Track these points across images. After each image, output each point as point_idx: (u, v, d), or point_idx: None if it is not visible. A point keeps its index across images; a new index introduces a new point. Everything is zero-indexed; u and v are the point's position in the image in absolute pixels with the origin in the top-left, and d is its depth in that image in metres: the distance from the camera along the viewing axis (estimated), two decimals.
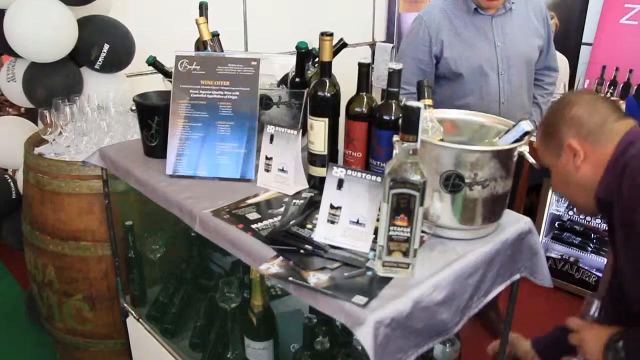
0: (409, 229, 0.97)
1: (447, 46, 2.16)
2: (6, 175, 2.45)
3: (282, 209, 1.29)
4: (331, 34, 1.30)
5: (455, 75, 2.19)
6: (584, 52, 3.98)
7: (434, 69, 2.23)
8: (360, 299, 0.96)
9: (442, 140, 1.17)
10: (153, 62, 1.64)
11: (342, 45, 1.54)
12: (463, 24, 2.17)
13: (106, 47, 2.27)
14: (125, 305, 1.89)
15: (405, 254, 1.00)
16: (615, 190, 1.23)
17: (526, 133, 1.13)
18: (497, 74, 2.17)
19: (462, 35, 2.17)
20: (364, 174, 1.09)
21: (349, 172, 1.10)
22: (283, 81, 1.64)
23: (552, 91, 2.51)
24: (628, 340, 1.25)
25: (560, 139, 1.29)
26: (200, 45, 1.60)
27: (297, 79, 1.53)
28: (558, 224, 3.28)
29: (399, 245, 0.99)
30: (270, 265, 1.07)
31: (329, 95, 1.32)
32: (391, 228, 0.98)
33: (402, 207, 0.95)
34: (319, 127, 1.34)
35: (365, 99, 1.28)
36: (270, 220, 1.24)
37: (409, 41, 2.26)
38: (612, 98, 3.24)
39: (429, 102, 1.24)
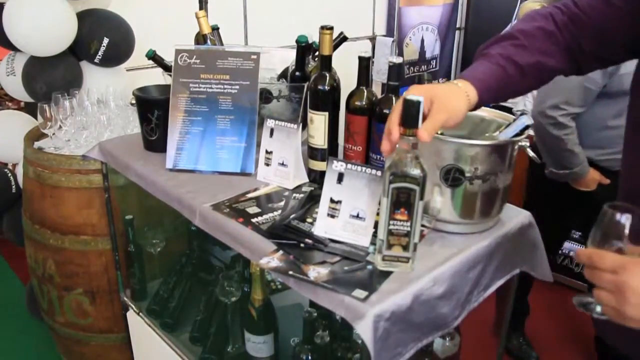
0: (409, 223, 0.97)
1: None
2: (6, 170, 2.45)
3: (282, 203, 1.29)
4: (331, 28, 1.29)
5: (624, 93, 2.04)
6: None
7: (601, 87, 2.11)
8: (360, 293, 0.96)
9: (442, 134, 1.16)
10: (153, 56, 1.64)
11: (342, 39, 1.54)
12: None
13: (106, 40, 2.26)
14: (126, 299, 1.89)
15: (405, 248, 0.99)
16: None
17: (526, 127, 1.13)
18: None
19: None
20: (364, 168, 1.09)
21: (349, 166, 1.10)
22: (283, 75, 1.63)
23: None
24: None
25: None
26: (200, 39, 1.60)
27: (297, 73, 1.53)
28: None
29: (399, 240, 0.99)
30: (270, 259, 1.07)
31: (329, 89, 1.32)
32: (391, 222, 0.97)
33: (402, 201, 0.95)
34: (319, 121, 1.34)
35: (365, 93, 1.28)
36: (271, 214, 1.24)
37: None
38: None
39: None
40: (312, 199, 1.28)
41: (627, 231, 0.86)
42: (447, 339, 1.50)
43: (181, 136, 1.46)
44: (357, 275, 1.02)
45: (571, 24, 1.07)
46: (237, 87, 1.44)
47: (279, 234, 1.13)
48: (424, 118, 0.95)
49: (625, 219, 0.86)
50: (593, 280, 0.85)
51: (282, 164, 1.36)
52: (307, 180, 1.40)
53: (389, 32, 4.13)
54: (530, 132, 1.17)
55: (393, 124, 0.93)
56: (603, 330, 1.15)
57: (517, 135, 1.14)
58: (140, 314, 1.83)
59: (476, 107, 1.06)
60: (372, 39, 4.12)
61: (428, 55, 4.36)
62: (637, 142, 1.08)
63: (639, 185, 1.08)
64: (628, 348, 1.12)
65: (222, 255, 1.93)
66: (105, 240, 1.99)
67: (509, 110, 1.34)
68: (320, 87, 1.32)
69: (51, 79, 2.21)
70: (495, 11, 4.21)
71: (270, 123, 1.36)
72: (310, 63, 1.55)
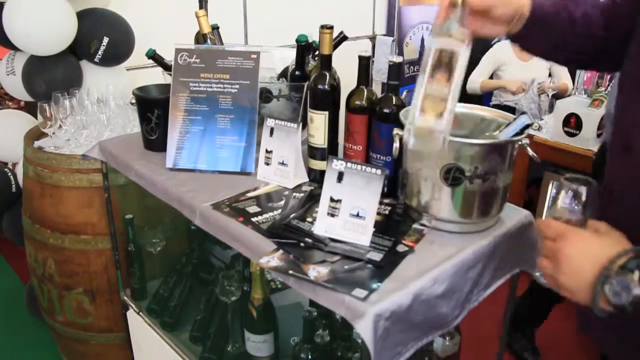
0: (448, 87, 0.89)
1: None
2: (6, 169, 2.45)
3: (282, 202, 1.29)
4: (331, 27, 1.29)
5: None
6: None
7: None
8: (360, 292, 0.96)
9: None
10: (153, 55, 1.64)
11: (342, 39, 1.54)
12: None
13: (106, 40, 2.26)
14: (126, 298, 1.90)
15: (440, 116, 0.89)
16: None
17: (527, 126, 1.13)
18: None
19: None
20: (364, 167, 1.09)
21: (349, 165, 1.10)
22: (283, 74, 1.63)
23: None
24: None
25: None
26: (200, 38, 1.59)
27: (297, 72, 1.53)
28: None
29: (434, 105, 0.89)
30: (270, 258, 1.07)
31: (329, 88, 1.32)
32: (428, 85, 0.90)
33: (444, 62, 0.89)
34: (319, 120, 1.34)
35: (365, 92, 1.28)
36: (271, 214, 1.24)
37: None
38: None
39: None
40: (312, 198, 1.28)
41: (582, 203, 0.85)
42: (447, 338, 1.50)
43: (181, 135, 1.46)
44: (357, 275, 1.02)
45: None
46: (237, 86, 1.44)
47: (279, 233, 1.13)
48: None
49: (581, 191, 0.85)
50: (545, 250, 0.85)
51: (282, 163, 1.36)
52: (307, 179, 1.40)
53: (389, 32, 4.14)
54: (530, 131, 1.17)
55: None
56: (584, 323, 1.12)
57: (517, 134, 1.14)
58: (140, 313, 1.83)
59: (520, 23, 1.04)
60: (372, 38, 4.12)
61: None
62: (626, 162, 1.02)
63: (614, 185, 1.04)
64: (607, 346, 1.08)
65: (222, 255, 1.93)
66: (105, 239, 1.99)
67: (510, 109, 1.34)
68: (320, 86, 1.32)
69: (51, 78, 2.21)
70: None
71: (270, 122, 1.36)
72: (310, 62, 1.55)
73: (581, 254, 0.79)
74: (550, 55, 1.19)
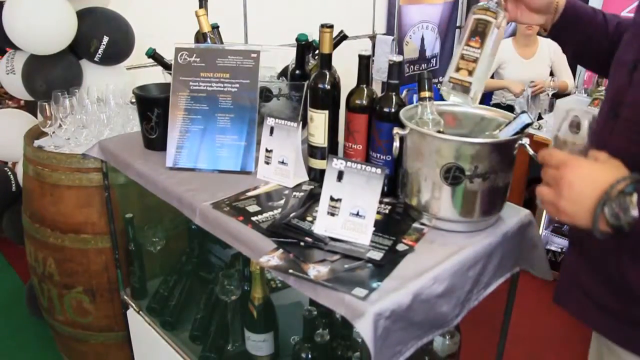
0: (479, 51, 1.08)
1: None
2: (6, 168, 2.45)
3: (282, 202, 1.29)
4: (331, 26, 1.29)
5: None
6: None
7: None
8: (360, 291, 0.96)
9: (442, 132, 1.16)
10: (152, 55, 1.64)
11: (342, 38, 1.54)
12: None
13: (106, 39, 2.26)
14: (126, 297, 1.90)
15: (471, 73, 1.08)
16: None
17: (527, 125, 1.13)
18: None
19: None
20: (363, 166, 1.09)
21: (349, 164, 1.10)
22: (283, 73, 1.63)
23: None
24: None
25: None
26: (200, 37, 1.59)
27: (297, 71, 1.53)
28: None
29: (467, 64, 1.09)
30: (270, 257, 1.07)
31: (329, 87, 1.32)
32: (465, 48, 1.09)
33: (479, 30, 1.09)
34: (319, 119, 1.34)
35: (365, 92, 1.28)
36: (271, 213, 1.24)
37: None
38: None
39: (429, 94, 1.23)
40: (312, 198, 1.28)
41: (583, 133, 0.89)
42: (447, 337, 1.50)
43: (181, 134, 1.46)
44: (357, 274, 1.02)
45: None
46: (237, 85, 1.44)
47: (279, 233, 1.13)
48: None
49: (582, 121, 0.89)
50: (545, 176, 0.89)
51: (282, 163, 1.36)
52: (307, 178, 1.40)
53: (389, 31, 4.13)
54: (530, 130, 1.18)
55: None
56: (559, 295, 1.18)
57: (517, 133, 1.14)
58: (141, 312, 1.83)
59: (556, 16, 1.19)
60: (372, 37, 4.12)
61: (428, 53, 4.36)
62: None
63: None
64: (581, 313, 1.13)
65: (222, 254, 1.93)
66: (105, 238, 1.99)
67: (510, 109, 1.35)
68: (320, 85, 1.32)
69: (51, 78, 2.21)
70: None
71: (270, 121, 1.36)
72: (310, 61, 1.55)
73: (582, 180, 0.83)
74: (578, 54, 1.28)
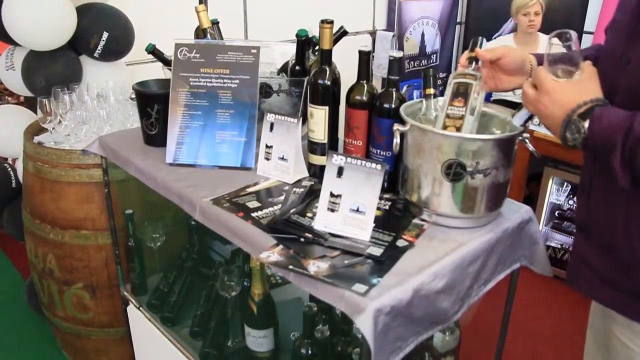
0: (464, 108, 1.13)
1: None
2: (6, 164, 2.45)
3: (282, 198, 1.29)
4: (331, 22, 1.29)
5: None
6: (586, 41, 3.96)
7: None
8: (360, 287, 0.96)
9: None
10: (152, 50, 1.63)
11: (342, 33, 1.53)
12: None
13: (105, 35, 2.26)
14: (126, 293, 1.90)
15: (459, 129, 1.12)
16: None
17: (531, 117, 1.13)
18: None
19: None
20: (363, 162, 1.09)
21: (349, 160, 1.10)
22: (283, 69, 1.63)
23: None
24: (603, 114, 0.93)
25: None
26: (200, 33, 1.59)
27: (297, 67, 1.52)
28: (558, 213, 3.28)
29: (454, 122, 1.13)
30: (270, 253, 1.07)
31: (329, 83, 1.31)
32: (449, 108, 1.14)
33: (461, 91, 1.14)
34: (319, 115, 1.34)
35: (365, 87, 1.28)
36: (271, 209, 1.24)
37: None
38: None
39: (433, 91, 1.24)
40: (312, 194, 1.28)
41: (572, 48, 0.99)
42: (447, 333, 1.50)
43: (181, 130, 1.46)
44: (357, 270, 1.02)
45: None
46: (237, 81, 1.43)
47: (279, 229, 1.13)
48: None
49: (571, 37, 0.99)
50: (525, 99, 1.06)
51: (282, 159, 1.36)
52: (307, 174, 1.40)
53: (390, 27, 4.12)
54: (531, 126, 1.19)
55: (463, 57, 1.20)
56: (569, 276, 1.23)
57: (531, 117, 1.14)
58: (141, 308, 1.83)
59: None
60: (373, 33, 4.11)
61: (428, 49, 4.35)
62: None
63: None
64: (591, 291, 1.17)
65: (222, 250, 1.93)
66: (105, 234, 1.99)
67: (511, 104, 1.35)
68: (320, 81, 1.31)
69: (51, 74, 2.21)
70: (496, 5, 4.20)
71: (270, 117, 1.36)
72: (311, 57, 1.55)
73: (553, 104, 0.99)
74: None
